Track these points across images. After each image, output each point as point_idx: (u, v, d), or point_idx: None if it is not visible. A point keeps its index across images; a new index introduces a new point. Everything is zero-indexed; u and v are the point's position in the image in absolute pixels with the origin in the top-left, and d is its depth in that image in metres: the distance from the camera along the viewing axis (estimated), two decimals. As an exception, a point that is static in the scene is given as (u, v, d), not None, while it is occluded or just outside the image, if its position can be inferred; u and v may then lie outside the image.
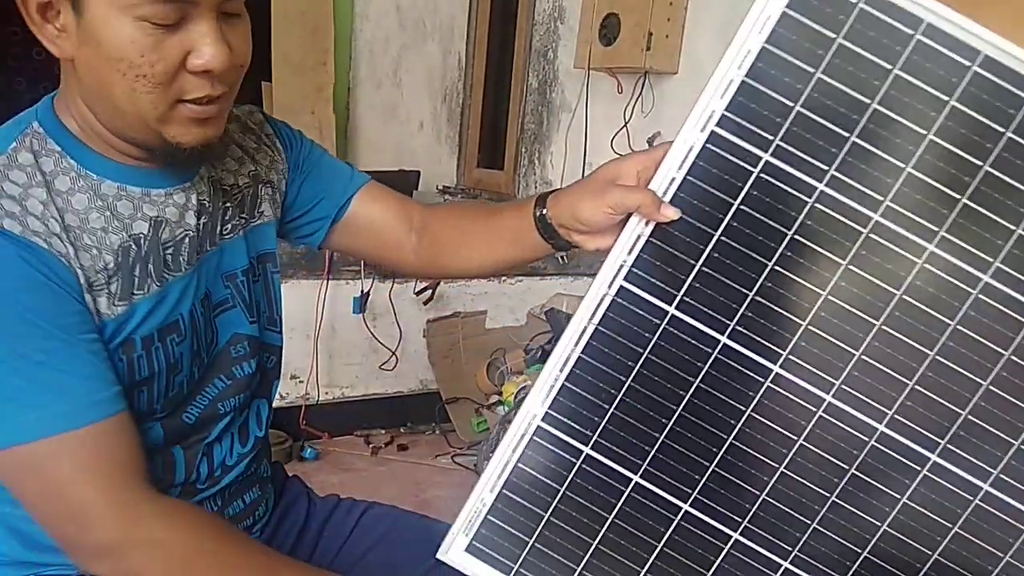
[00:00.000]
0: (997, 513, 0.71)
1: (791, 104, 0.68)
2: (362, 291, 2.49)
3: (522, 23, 3.46)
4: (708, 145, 0.69)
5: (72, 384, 0.68)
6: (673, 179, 0.71)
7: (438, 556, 0.76)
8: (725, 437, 0.73)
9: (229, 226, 0.86)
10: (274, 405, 0.97)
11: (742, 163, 0.69)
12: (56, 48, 0.70)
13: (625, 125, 2.76)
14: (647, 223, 0.71)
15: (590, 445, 0.74)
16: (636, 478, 0.74)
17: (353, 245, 1.01)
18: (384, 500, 1.06)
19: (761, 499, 0.73)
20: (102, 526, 0.69)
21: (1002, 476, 0.71)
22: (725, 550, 0.74)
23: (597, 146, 2.90)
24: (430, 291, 2.58)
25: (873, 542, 0.73)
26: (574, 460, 0.74)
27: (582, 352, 0.73)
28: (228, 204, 0.86)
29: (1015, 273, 0.68)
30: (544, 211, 0.83)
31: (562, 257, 2.71)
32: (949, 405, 0.70)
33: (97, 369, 0.70)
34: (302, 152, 0.97)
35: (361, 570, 0.96)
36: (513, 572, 0.76)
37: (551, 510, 0.75)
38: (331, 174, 0.99)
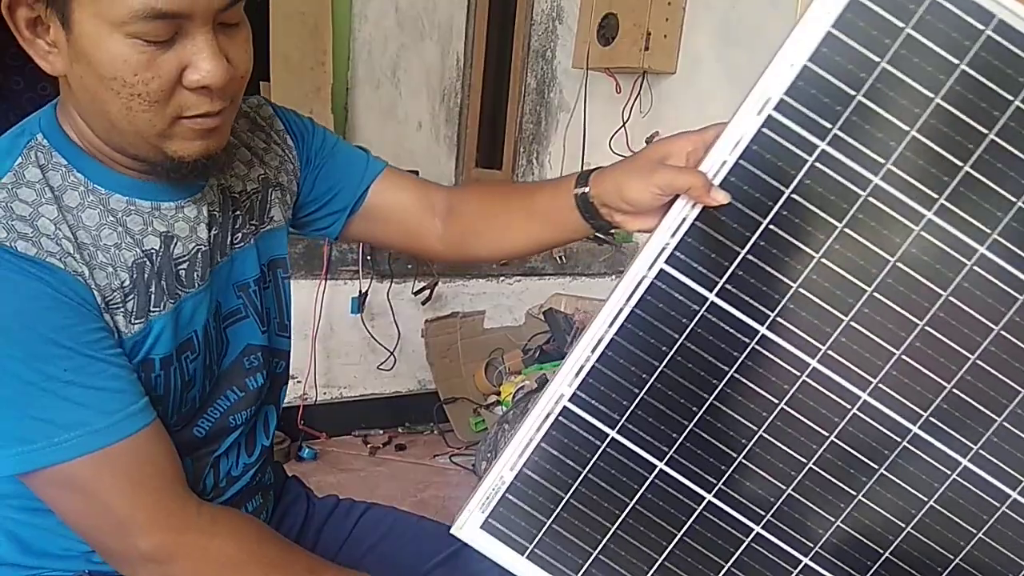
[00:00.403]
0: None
1: (853, 93, 0.66)
2: (360, 291, 2.48)
3: (520, 23, 3.46)
4: (763, 129, 0.67)
5: (105, 399, 0.68)
6: (724, 162, 0.68)
7: (451, 531, 0.74)
8: (756, 429, 0.72)
9: (240, 235, 0.83)
10: (272, 405, 0.96)
11: (797, 150, 0.67)
12: (47, 64, 0.67)
13: (623, 125, 2.76)
14: (694, 206, 0.69)
15: (616, 428, 0.73)
16: (661, 465, 0.73)
17: (374, 234, 0.98)
18: (382, 500, 1.06)
19: (786, 494, 0.72)
20: (149, 535, 0.69)
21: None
22: (746, 543, 0.73)
23: (595, 146, 2.90)
24: (428, 291, 2.58)
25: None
26: (599, 443, 0.73)
27: (616, 334, 0.71)
28: (238, 212, 0.83)
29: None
30: (586, 190, 0.80)
31: (560, 257, 2.71)
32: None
33: (127, 382, 0.70)
34: (314, 143, 0.94)
35: (361, 570, 0.96)
36: (528, 552, 0.74)
37: (571, 492, 0.73)
38: (346, 163, 0.95)
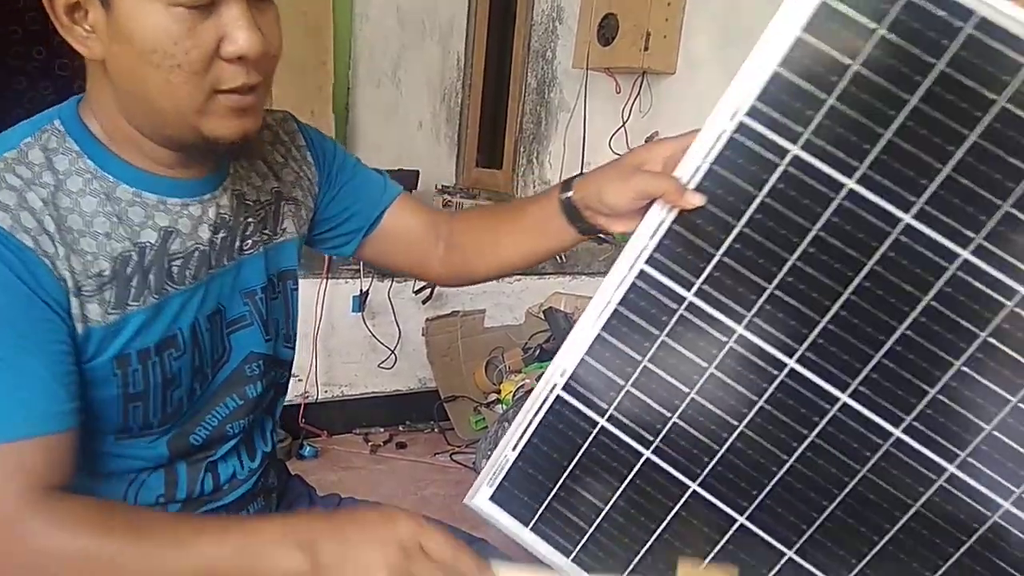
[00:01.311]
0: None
1: (824, 97, 0.67)
2: (361, 290, 2.49)
3: (521, 23, 3.47)
4: (736, 135, 0.69)
5: (30, 394, 0.66)
6: (699, 167, 0.71)
7: (464, 501, 0.80)
8: (736, 424, 0.74)
9: (250, 242, 0.84)
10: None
11: (769, 155, 0.69)
12: (86, 49, 0.68)
13: (623, 125, 2.77)
14: (670, 210, 0.72)
15: (605, 417, 0.77)
16: (648, 454, 0.76)
17: (383, 256, 1.01)
18: (383, 498, 1.07)
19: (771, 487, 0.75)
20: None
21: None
22: (730, 532, 0.76)
23: (595, 146, 2.91)
24: (429, 290, 2.59)
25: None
26: (590, 430, 0.77)
27: (602, 329, 0.75)
28: (250, 219, 0.84)
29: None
30: (570, 194, 0.83)
31: (560, 257, 2.72)
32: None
33: (59, 380, 0.67)
34: (335, 164, 0.95)
35: None
36: (531, 524, 0.80)
37: (566, 474, 0.78)
38: (365, 186, 0.98)
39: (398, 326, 2.58)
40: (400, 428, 2.69)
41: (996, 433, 0.69)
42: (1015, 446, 0.68)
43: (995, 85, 0.63)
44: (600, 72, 2.84)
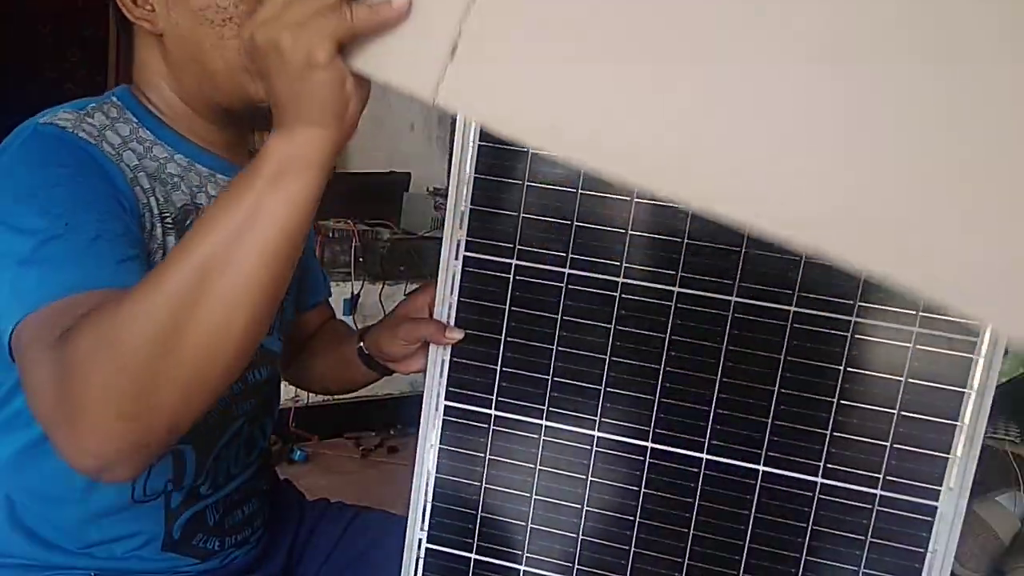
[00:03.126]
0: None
1: (515, 214, 0.77)
2: (352, 292, 2.48)
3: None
4: (466, 269, 0.79)
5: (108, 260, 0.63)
6: (451, 304, 0.80)
7: None
8: (632, 518, 0.81)
9: None
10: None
11: (499, 273, 0.78)
12: (149, 25, 0.76)
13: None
14: (444, 348, 0.80)
15: (475, 551, 0.83)
16: (523, 568, 0.82)
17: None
18: (374, 503, 1.07)
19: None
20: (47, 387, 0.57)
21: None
22: None
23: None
24: (421, 293, 2.58)
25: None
26: (467, 569, 0.83)
27: (437, 472, 0.82)
28: None
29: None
30: (361, 344, 0.92)
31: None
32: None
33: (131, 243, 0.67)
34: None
35: (351, 574, 0.97)
36: None
37: None
38: (316, 267, 1.05)
39: (390, 329, 2.56)
40: (391, 432, 2.67)
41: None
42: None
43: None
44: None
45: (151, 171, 0.75)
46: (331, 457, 2.49)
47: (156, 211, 0.73)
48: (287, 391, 2.44)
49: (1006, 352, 1.25)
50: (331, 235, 2.53)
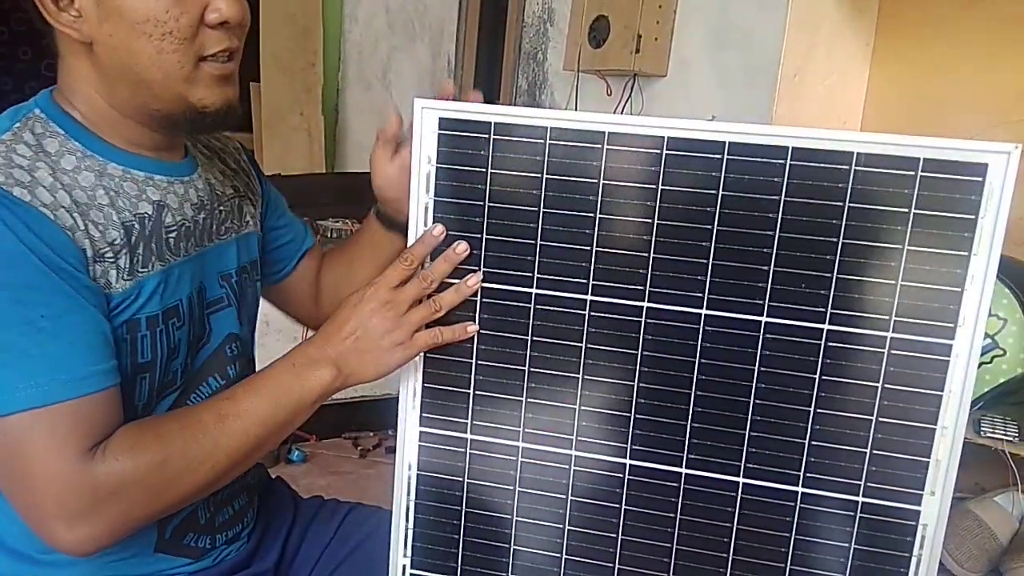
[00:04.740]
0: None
1: (479, 236, 0.78)
2: (350, 293, 2.47)
3: (511, 25, 3.45)
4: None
5: (70, 354, 0.67)
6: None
7: None
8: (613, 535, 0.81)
9: (223, 228, 0.88)
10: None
11: (470, 297, 0.79)
12: (76, 33, 0.73)
13: (614, 127, 2.76)
14: (416, 375, 0.81)
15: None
16: None
17: (283, 305, 1.09)
18: (372, 503, 1.07)
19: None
20: (70, 498, 0.67)
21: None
22: None
23: (586, 148, 2.90)
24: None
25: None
26: None
27: (417, 498, 0.83)
28: (222, 208, 0.88)
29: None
30: (376, 205, 0.95)
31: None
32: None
33: (98, 340, 0.70)
34: (270, 190, 1.02)
35: (346, 569, 0.98)
36: None
37: None
38: (292, 222, 1.05)
39: (387, 329, 2.56)
40: (390, 432, 2.66)
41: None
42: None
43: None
44: (591, 74, 2.83)
45: (83, 202, 0.72)
46: (329, 457, 2.49)
47: (91, 253, 0.71)
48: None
49: (1004, 353, 1.24)
50: (330, 235, 2.53)
